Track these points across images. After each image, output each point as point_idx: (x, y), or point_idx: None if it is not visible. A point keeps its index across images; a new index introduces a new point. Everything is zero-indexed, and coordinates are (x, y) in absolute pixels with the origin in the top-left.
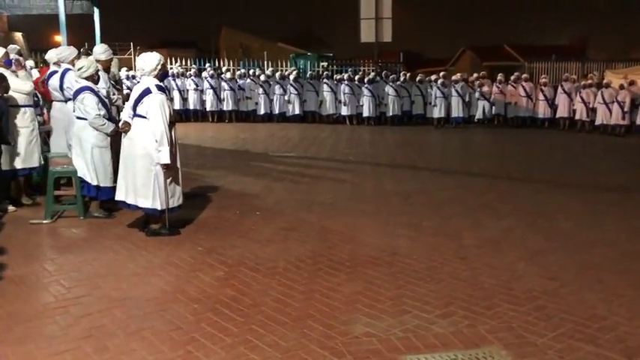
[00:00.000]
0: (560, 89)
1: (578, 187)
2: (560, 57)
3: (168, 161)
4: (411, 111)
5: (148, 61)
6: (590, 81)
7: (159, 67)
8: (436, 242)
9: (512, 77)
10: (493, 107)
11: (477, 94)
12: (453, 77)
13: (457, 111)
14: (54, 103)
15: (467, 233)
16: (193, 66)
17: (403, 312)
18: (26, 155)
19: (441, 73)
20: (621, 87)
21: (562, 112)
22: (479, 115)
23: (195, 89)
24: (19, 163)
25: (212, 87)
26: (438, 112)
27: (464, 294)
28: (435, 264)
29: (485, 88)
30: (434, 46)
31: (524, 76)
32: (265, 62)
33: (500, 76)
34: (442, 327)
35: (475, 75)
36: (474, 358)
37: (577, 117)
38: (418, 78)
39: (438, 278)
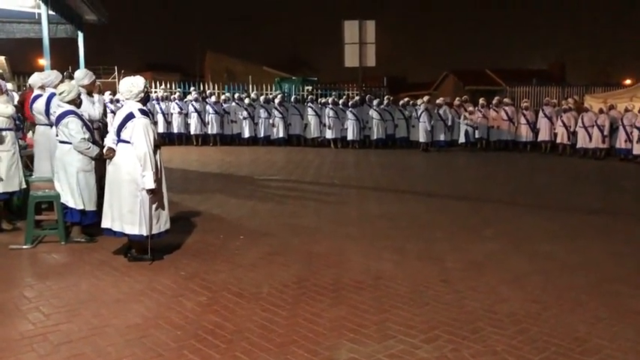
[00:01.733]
0: (541, 113)
1: (560, 209)
2: (541, 81)
3: (152, 186)
4: (395, 134)
5: (136, 84)
6: (570, 105)
7: (143, 91)
8: (420, 266)
9: (494, 101)
10: (476, 131)
11: (462, 119)
12: (437, 101)
13: (441, 135)
14: (37, 127)
15: (451, 256)
16: (178, 89)
17: (388, 337)
18: (7, 179)
19: (425, 98)
20: (600, 111)
21: (543, 135)
22: (462, 139)
23: (180, 113)
24: None
25: (196, 110)
26: (421, 137)
27: (448, 318)
28: (420, 288)
29: (471, 114)
30: (417, 71)
31: (505, 100)
32: (250, 86)
33: (482, 100)
34: (427, 351)
35: (457, 99)
36: None
37: (558, 140)
38: (402, 102)
39: (422, 302)
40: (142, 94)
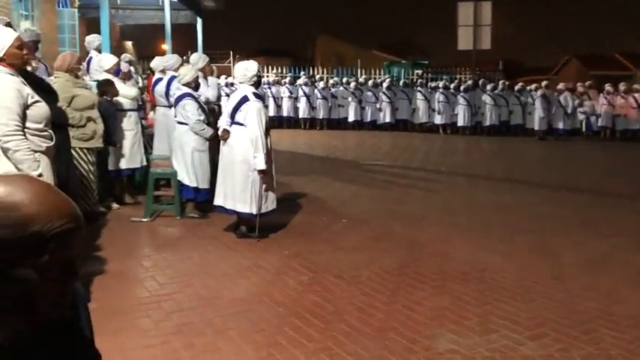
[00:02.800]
0: None
1: None
2: None
3: (263, 167)
4: (509, 121)
5: (249, 68)
6: None
7: (256, 75)
8: (530, 260)
9: (621, 87)
10: (599, 119)
11: (582, 106)
12: (558, 86)
13: (562, 122)
14: (158, 108)
15: (564, 252)
16: (288, 74)
17: (490, 330)
18: (130, 156)
19: (543, 83)
20: None
21: None
22: (583, 127)
23: (290, 97)
24: (123, 164)
25: (305, 95)
26: (538, 124)
27: (557, 316)
28: (528, 283)
29: (587, 102)
30: (536, 54)
31: (635, 86)
32: (358, 70)
33: (608, 87)
34: (531, 349)
35: (579, 85)
36: None
37: None
38: (517, 87)
39: (529, 298)
40: (255, 78)
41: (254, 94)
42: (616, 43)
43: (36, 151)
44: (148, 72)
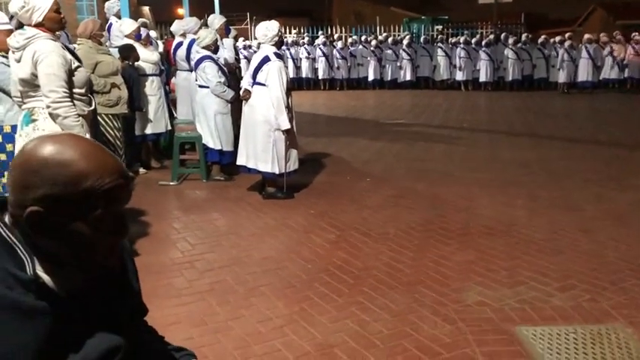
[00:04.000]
0: None
1: None
2: None
3: (288, 126)
4: (533, 75)
5: (270, 28)
6: None
7: (277, 35)
8: (556, 214)
9: None
10: (626, 70)
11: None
12: (586, 36)
13: (586, 75)
14: (179, 72)
15: (589, 205)
16: (306, 34)
17: (519, 283)
18: (154, 121)
19: (567, 34)
20: None
21: None
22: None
23: (308, 57)
24: (148, 129)
25: (324, 55)
26: (563, 77)
27: (586, 268)
28: (555, 236)
29: (615, 52)
30: (559, 5)
31: None
32: (378, 28)
33: (635, 36)
34: (561, 300)
35: (602, 35)
36: (596, 334)
37: None
38: (540, 40)
39: (557, 250)
40: (277, 38)
41: (275, 54)
42: None
43: (80, 116)
44: (166, 36)
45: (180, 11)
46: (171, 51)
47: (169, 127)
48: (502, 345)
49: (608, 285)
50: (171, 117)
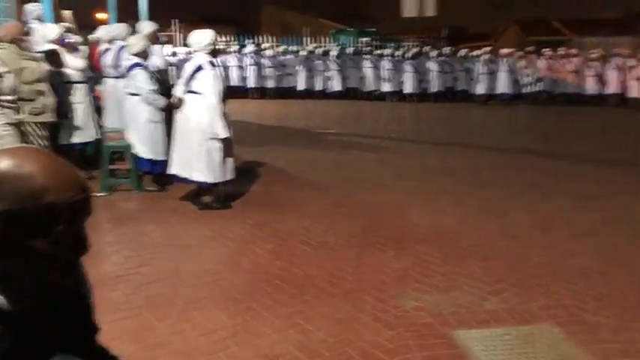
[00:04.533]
0: (610, 65)
1: (629, 165)
2: (611, 31)
3: (226, 134)
4: (455, 87)
5: (203, 36)
6: None
7: (212, 43)
8: (485, 220)
9: (559, 52)
10: (539, 83)
11: (524, 70)
12: (503, 51)
13: (505, 87)
14: (106, 79)
15: (514, 212)
16: (234, 43)
17: (453, 288)
18: (81, 130)
19: (487, 49)
20: None
21: (612, 88)
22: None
23: (237, 66)
24: (75, 138)
25: (254, 63)
26: (482, 89)
27: (515, 271)
28: (485, 242)
29: (523, 64)
30: (478, 21)
31: (572, 50)
32: (306, 38)
33: (547, 52)
34: (493, 303)
35: (512, 50)
36: (527, 335)
37: (630, 94)
38: (462, 53)
39: (488, 256)
40: (211, 47)
41: (209, 62)
42: (552, 10)
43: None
44: (93, 42)
45: (101, 16)
46: (97, 57)
47: (97, 136)
48: (442, 349)
49: (535, 287)
50: (99, 125)
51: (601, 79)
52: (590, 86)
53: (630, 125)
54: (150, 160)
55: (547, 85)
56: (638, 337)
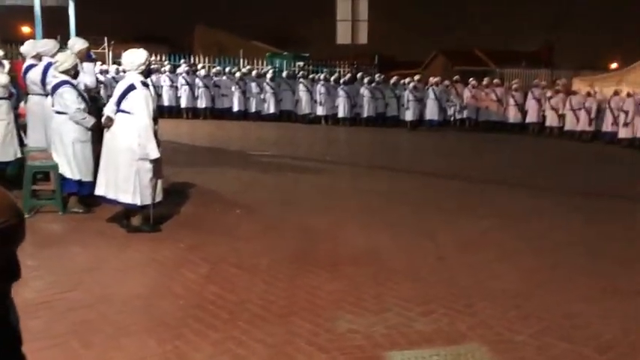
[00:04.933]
0: (530, 95)
1: (549, 190)
2: (530, 63)
3: (157, 155)
4: (385, 113)
5: (137, 56)
6: (558, 87)
7: (145, 63)
8: (415, 242)
9: (484, 82)
10: (465, 111)
11: (449, 100)
12: (431, 79)
13: (432, 114)
14: (31, 96)
15: (443, 233)
16: (167, 62)
17: (385, 310)
18: (2, 149)
19: (416, 77)
20: (588, 94)
21: (532, 117)
22: (452, 117)
23: (170, 85)
24: None
25: (187, 83)
26: (410, 115)
27: (444, 293)
28: (415, 263)
29: (454, 94)
30: (407, 49)
31: (495, 81)
32: (241, 60)
33: (472, 81)
34: (423, 324)
35: (439, 78)
36: (456, 355)
37: (547, 123)
38: (392, 81)
39: (418, 277)
40: (143, 67)
41: (141, 82)
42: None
43: None
44: (13, 57)
45: (25, 29)
46: (22, 73)
47: (18, 155)
48: None
49: (462, 308)
50: (21, 144)
51: (522, 109)
52: (512, 115)
53: (548, 152)
54: (77, 181)
55: (472, 112)
56: (562, 355)
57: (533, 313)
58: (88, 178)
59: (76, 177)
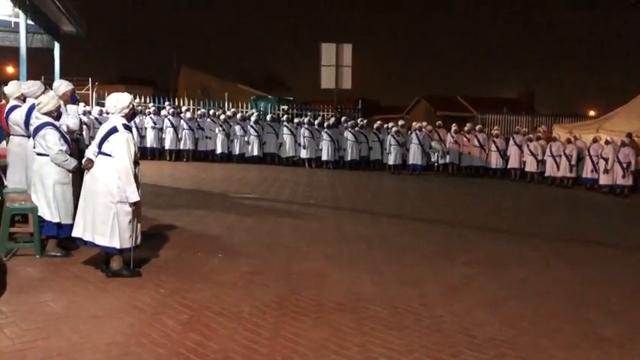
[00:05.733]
0: (511, 141)
1: (530, 236)
2: (510, 110)
3: (138, 198)
4: (369, 156)
5: (121, 100)
6: (539, 134)
7: (129, 107)
8: (399, 288)
9: (466, 127)
10: (447, 156)
11: (432, 145)
12: (415, 124)
13: (415, 158)
14: (12, 137)
15: (427, 280)
16: (152, 104)
17: (370, 358)
18: None
19: (400, 122)
20: (568, 141)
21: (513, 163)
22: (435, 162)
23: (154, 127)
24: None
25: (172, 125)
26: (392, 159)
27: (428, 341)
28: (399, 310)
29: (436, 139)
30: (390, 95)
31: (477, 127)
32: (225, 103)
33: (454, 126)
34: None
35: (422, 124)
36: None
37: (527, 169)
38: (376, 125)
39: (402, 325)
40: (127, 110)
41: (123, 125)
42: (457, 87)
43: None
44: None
45: (9, 69)
46: (4, 114)
47: None
48: None
49: (448, 357)
50: (1, 185)
51: (503, 155)
52: (494, 160)
53: (529, 198)
54: (56, 224)
55: (455, 157)
56: None
57: None
58: (67, 221)
59: (56, 219)
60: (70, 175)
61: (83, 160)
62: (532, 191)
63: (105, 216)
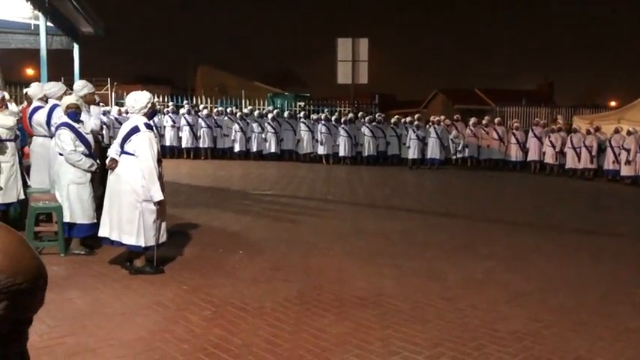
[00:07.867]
0: (531, 133)
1: (551, 228)
2: (529, 102)
3: (162, 197)
4: (387, 151)
5: (139, 99)
6: (559, 126)
7: (148, 105)
8: (420, 283)
9: (484, 120)
10: (466, 149)
11: (453, 137)
12: (433, 118)
13: (434, 152)
14: (35, 138)
15: (449, 274)
16: (170, 103)
17: (393, 353)
18: (5, 190)
19: (416, 116)
20: (588, 132)
21: (533, 155)
22: (454, 156)
23: (172, 126)
24: None
25: (189, 124)
26: (412, 154)
27: (451, 335)
28: (421, 305)
29: (455, 133)
30: (407, 89)
31: (496, 120)
32: (243, 100)
33: (473, 119)
34: None
35: (440, 117)
36: None
37: (546, 160)
38: (393, 120)
39: (425, 319)
40: (146, 109)
41: (145, 124)
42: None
43: None
44: (20, 100)
45: (29, 71)
46: (28, 116)
47: (22, 197)
48: None
49: (472, 351)
50: (25, 185)
51: (523, 147)
52: (514, 153)
53: (550, 190)
54: (69, 223)
55: (474, 151)
56: None
57: (543, 356)
58: (83, 221)
59: (67, 219)
60: (88, 175)
61: (107, 160)
62: (552, 184)
63: (131, 215)
